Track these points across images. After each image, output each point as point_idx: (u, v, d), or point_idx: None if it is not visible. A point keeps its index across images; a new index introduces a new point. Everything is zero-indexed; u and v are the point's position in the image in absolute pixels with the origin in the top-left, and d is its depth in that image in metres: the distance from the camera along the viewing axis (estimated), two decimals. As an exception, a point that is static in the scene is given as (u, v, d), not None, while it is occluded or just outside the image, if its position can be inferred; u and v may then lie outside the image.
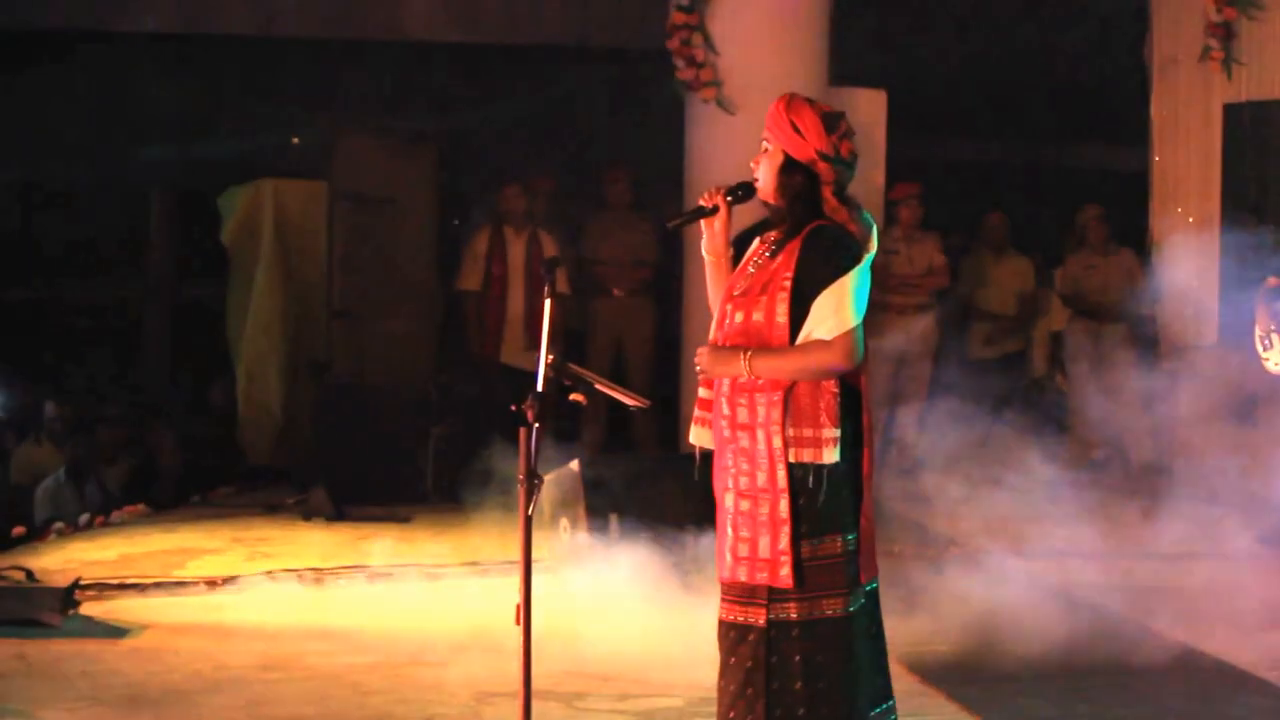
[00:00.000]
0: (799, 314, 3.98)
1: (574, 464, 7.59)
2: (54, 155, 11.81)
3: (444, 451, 9.80)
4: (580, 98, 11.97)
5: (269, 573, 7.63)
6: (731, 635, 4.03)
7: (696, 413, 4.20)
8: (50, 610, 6.58)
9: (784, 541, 3.96)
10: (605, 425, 10.40)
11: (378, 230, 10.04)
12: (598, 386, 4.28)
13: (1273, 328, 6.99)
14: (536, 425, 4.05)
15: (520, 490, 4.06)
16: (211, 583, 7.48)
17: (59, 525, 9.03)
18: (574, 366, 4.22)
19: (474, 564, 7.77)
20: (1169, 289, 9.83)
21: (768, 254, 4.10)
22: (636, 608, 6.68)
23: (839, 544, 4.01)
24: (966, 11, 12.18)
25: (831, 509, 4.00)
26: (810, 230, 4.05)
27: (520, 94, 12.30)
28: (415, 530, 8.86)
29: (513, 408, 4.04)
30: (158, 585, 7.39)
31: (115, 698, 5.65)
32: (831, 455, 3.97)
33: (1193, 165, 10.44)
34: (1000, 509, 8.05)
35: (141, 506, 9.60)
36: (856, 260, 4.00)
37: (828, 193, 4.08)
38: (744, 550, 4.01)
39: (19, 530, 8.86)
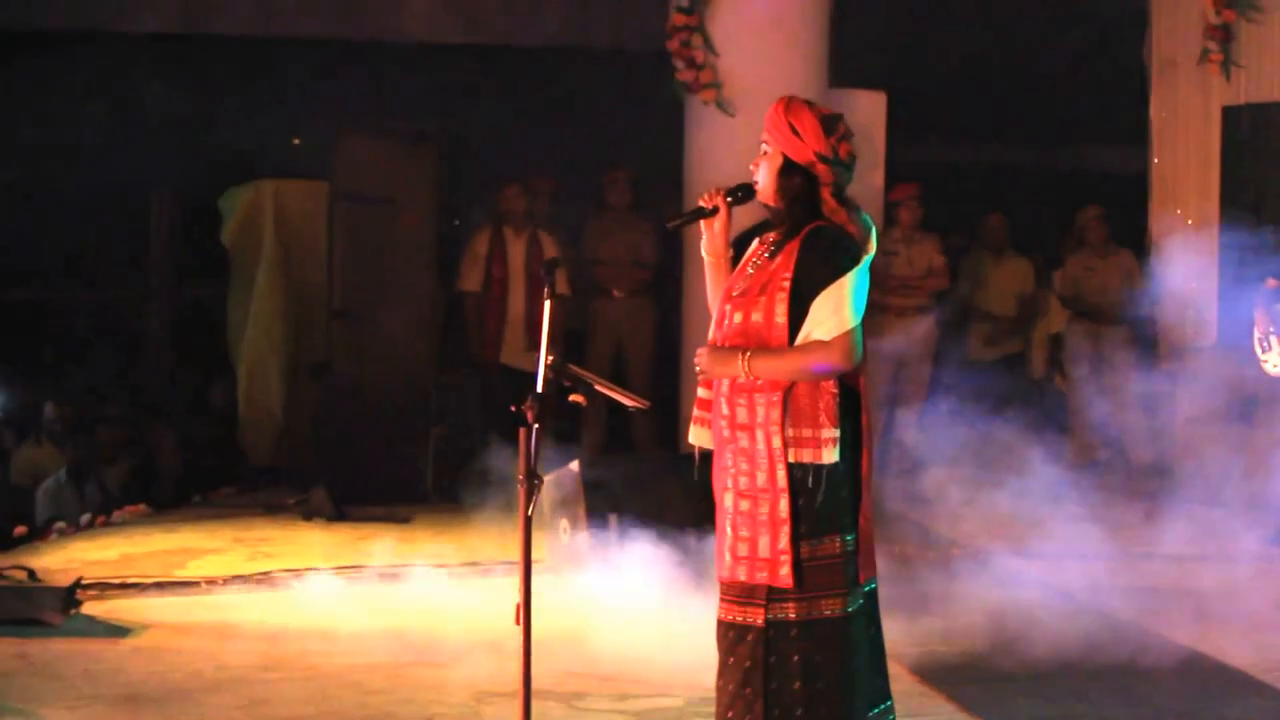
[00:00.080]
0: (798, 315, 4.00)
1: (574, 464, 7.60)
2: (54, 155, 11.81)
3: (444, 452, 9.82)
4: (580, 99, 11.98)
5: (270, 573, 7.65)
6: (730, 635, 4.04)
7: (696, 413, 4.21)
8: (52, 610, 6.60)
9: (784, 541, 3.97)
10: (605, 426, 10.41)
11: (378, 230, 10.05)
12: (597, 387, 4.29)
13: (1271, 329, 7.02)
14: (536, 426, 4.06)
15: (520, 490, 4.07)
16: (212, 582, 7.49)
17: (60, 525, 9.04)
18: (573, 367, 4.23)
19: (474, 564, 7.78)
20: (1168, 290, 9.84)
21: (767, 255, 4.12)
22: (636, 608, 6.69)
23: (838, 544, 4.02)
24: (966, 13, 12.20)
25: (830, 509, 4.01)
26: (809, 231, 4.06)
27: (520, 95, 12.31)
28: (415, 530, 8.87)
29: (513, 408, 4.06)
30: (159, 585, 7.40)
31: (117, 697, 5.66)
32: (831, 455, 3.99)
33: (1191, 167, 10.46)
34: (1000, 510, 8.07)
35: (142, 506, 9.61)
36: (855, 261, 4.02)
37: (826, 194, 4.09)
38: (743, 550, 4.03)
39: (20, 530, 8.87)
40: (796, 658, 3.97)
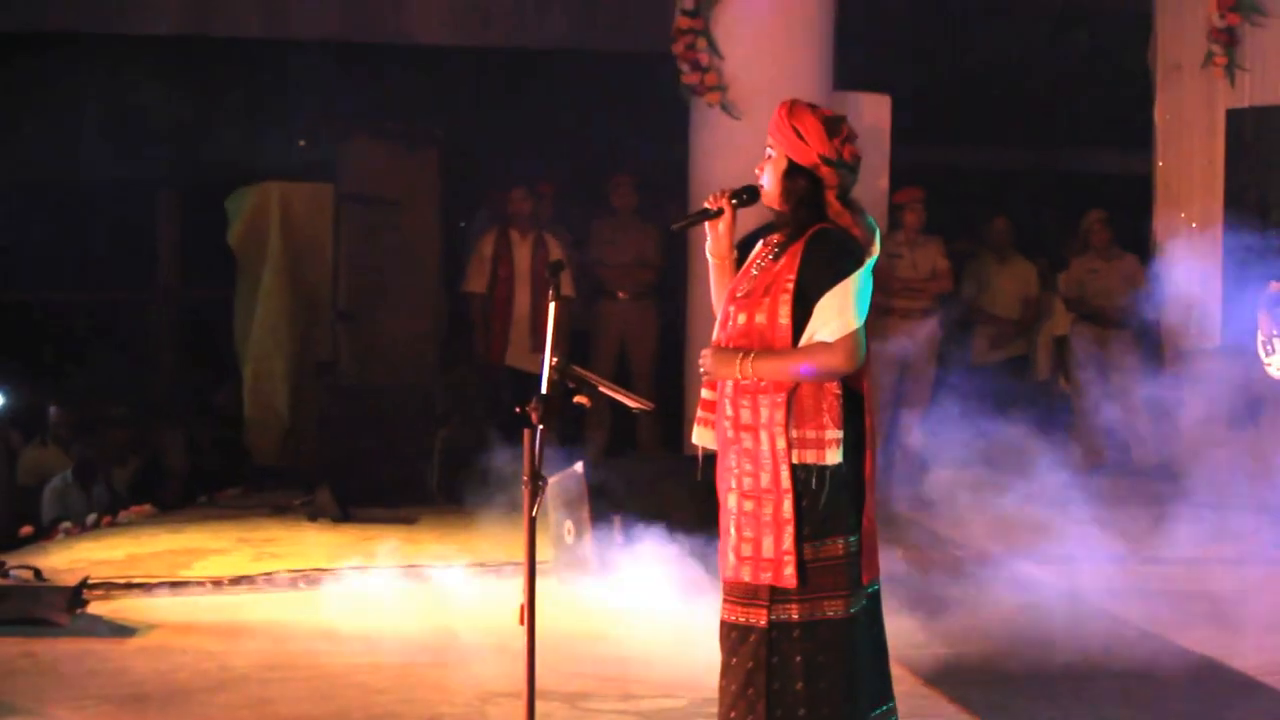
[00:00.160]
0: (801, 316, 4.01)
1: (578, 466, 7.62)
2: (61, 157, 11.83)
3: (449, 453, 9.83)
4: (585, 101, 11.99)
5: (275, 573, 7.67)
6: (733, 636, 4.05)
7: (700, 414, 4.22)
8: (58, 609, 6.61)
9: (787, 541, 3.98)
10: (610, 428, 10.43)
11: (383, 232, 10.07)
12: (601, 389, 4.30)
13: (1275, 332, 7.01)
14: (541, 427, 4.08)
15: (525, 491, 4.09)
16: (218, 583, 7.51)
17: (66, 525, 9.06)
18: (578, 369, 4.24)
19: (478, 565, 7.79)
20: (1172, 293, 9.85)
21: (771, 256, 4.13)
22: (640, 609, 6.70)
23: (841, 546, 4.04)
24: (971, 17, 12.21)
25: (834, 511, 4.03)
26: (813, 233, 4.08)
27: (525, 97, 12.32)
28: (420, 531, 8.88)
29: (517, 409, 4.08)
30: (165, 585, 7.42)
31: (122, 696, 5.68)
32: (834, 457, 4.00)
33: (1196, 170, 10.47)
34: (1005, 512, 8.07)
35: (148, 507, 9.63)
36: (859, 263, 4.03)
37: (831, 196, 4.11)
38: (747, 550, 4.04)
39: (27, 530, 8.89)
40: (799, 658, 3.99)
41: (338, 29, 11.22)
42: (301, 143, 12.18)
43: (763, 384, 4.04)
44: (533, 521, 4.08)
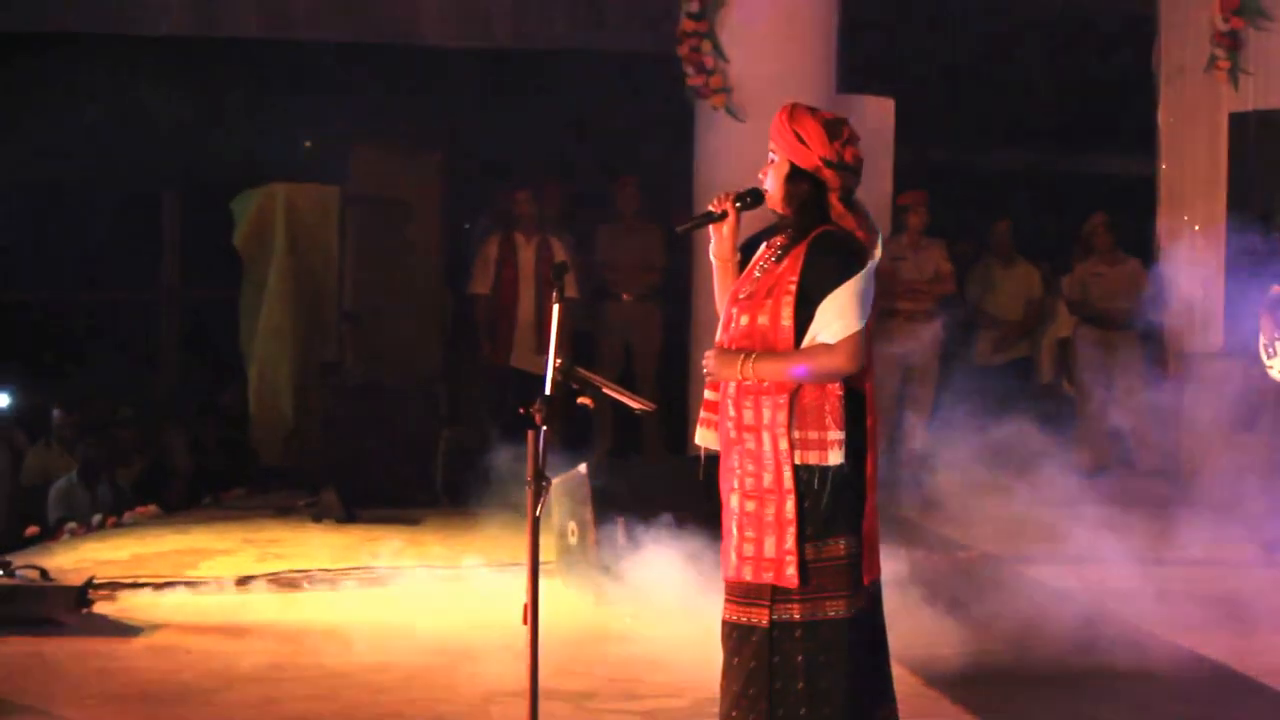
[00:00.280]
0: (804, 318, 4.03)
1: (582, 467, 7.63)
2: (66, 157, 11.85)
3: (453, 453, 9.85)
4: (590, 103, 12.01)
5: (280, 573, 7.68)
6: (735, 635, 4.07)
7: (703, 414, 4.23)
8: (64, 609, 6.64)
9: (790, 541, 4.00)
10: (613, 429, 10.44)
11: (389, 234, 10.09)
12: (605, 390, 4.32)
13: (1277, 335, 7.02)
14: (545, 428, 4.09)
15: (529, 492, 4.11)
16: (223, 583, 7.53)
17: (72, 525, 9.08)
18: (581, 370, 4.26)
19: (482, 565, 7.81)
20: (1175, 296, 9.86)
21: (774, 258, 4.15)
22: (643, 609, 6.72)
23: (843, 546, 4.05)
24: (974, 20, 12.22)
25: (836, 511, 4.04)
26: (816, 236, 4.09)
27: (531, 99, 12.34)
28: (425, 532, 8.90)
29: (521, 410, 4.09)
30: (170, 585, 7.44)
31: (128, 696, 5.70)
32: (837, 457, 4.02)
33: (1199, 173, 10.48)
34: (1008, 514, 8.08)
35: (153, 507, 9.65)
36: (861, 265, 4.04)
37: (834, 199, 4.12)
38: (749, 550, 4.06)
39: (32, 530, 8.92)
40: (800, 658, 4.00)
41: (340, 30, 11.23)
42: (307, 144, 12.20)
43: (765, 385, 4.05)
44: (536, 522, 4.10)
